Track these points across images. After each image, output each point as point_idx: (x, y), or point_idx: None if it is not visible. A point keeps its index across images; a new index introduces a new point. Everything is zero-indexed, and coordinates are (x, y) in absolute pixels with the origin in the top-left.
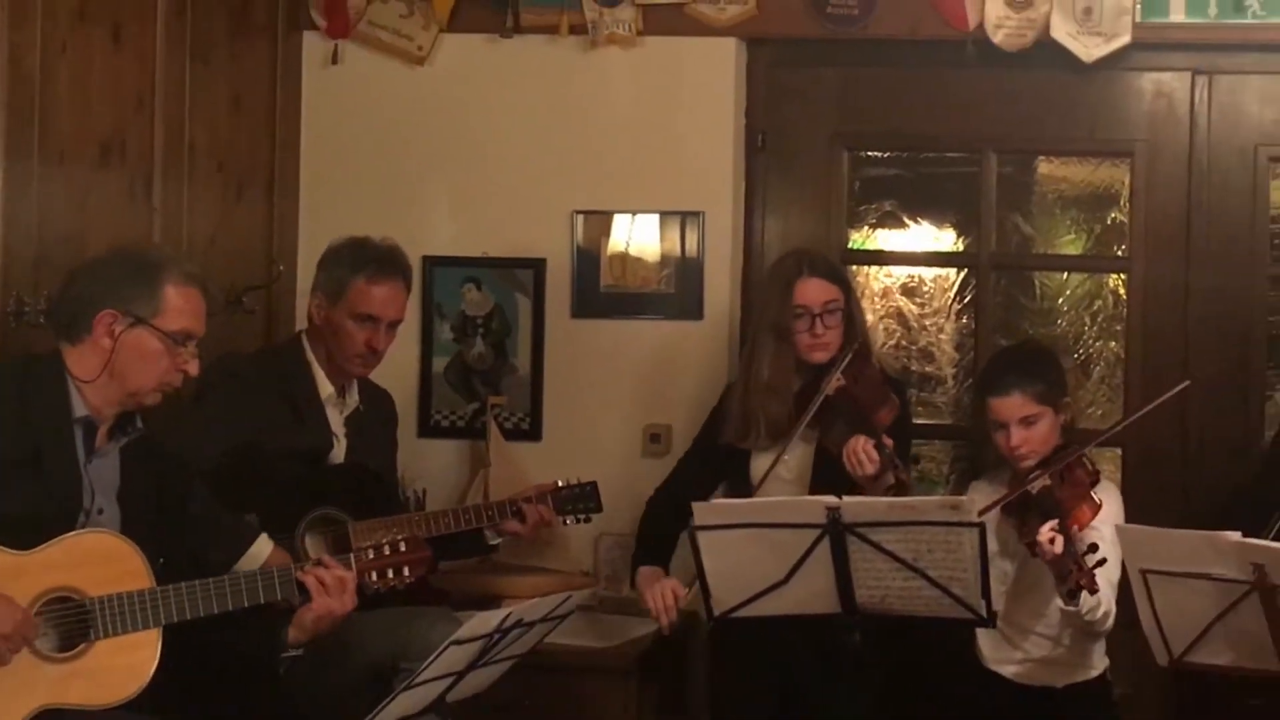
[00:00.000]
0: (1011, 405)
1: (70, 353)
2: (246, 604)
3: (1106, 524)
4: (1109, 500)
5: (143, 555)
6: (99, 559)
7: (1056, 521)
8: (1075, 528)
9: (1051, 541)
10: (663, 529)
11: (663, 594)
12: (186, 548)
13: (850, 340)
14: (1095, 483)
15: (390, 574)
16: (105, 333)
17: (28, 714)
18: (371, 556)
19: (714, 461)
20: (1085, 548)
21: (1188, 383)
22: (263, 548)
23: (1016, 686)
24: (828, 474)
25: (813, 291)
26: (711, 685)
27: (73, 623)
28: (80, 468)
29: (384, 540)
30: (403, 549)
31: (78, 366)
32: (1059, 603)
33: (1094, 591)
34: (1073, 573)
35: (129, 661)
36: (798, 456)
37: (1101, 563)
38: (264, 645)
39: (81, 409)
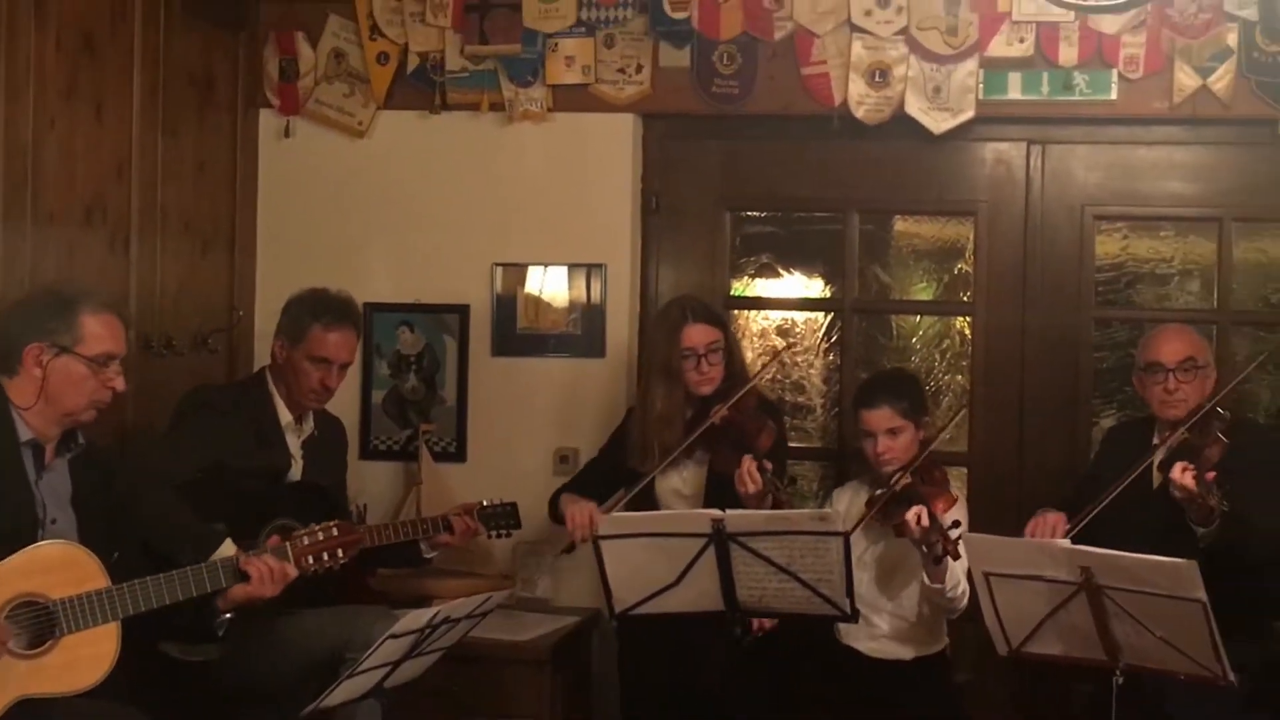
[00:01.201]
0: (880, 417)
1: (9, 384)
2: (195, 594)
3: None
4: (959, 505)
5: (97, 559)
6: (58, 566)
7: (922, 506)
8: (939, 510)
9: (918, 520)
10: None
11: (581, 512)
12: (158, 551)
13: (731, 374)
14: (947, 482)
15: (325, 557)
16: (35, 364)
17: (6, 705)
18: (306, 543)
19: (613, 473)
20: (949, 523)
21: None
22: (227, 550)
23: (870, 660)
24: (718, 491)
25: (697, 335)
26: (622, 673)
27: (41, 623)
28: (32, 486)
29: (317, 529)
30: (335, 534)
31: (17, 396)
32: (925, 581)
33: (957, 558)
34: (939, 542)
35: (93, 653)
36: (694, 475)
37: (962, 534)
38: (199, 613)
39: (27, 433)
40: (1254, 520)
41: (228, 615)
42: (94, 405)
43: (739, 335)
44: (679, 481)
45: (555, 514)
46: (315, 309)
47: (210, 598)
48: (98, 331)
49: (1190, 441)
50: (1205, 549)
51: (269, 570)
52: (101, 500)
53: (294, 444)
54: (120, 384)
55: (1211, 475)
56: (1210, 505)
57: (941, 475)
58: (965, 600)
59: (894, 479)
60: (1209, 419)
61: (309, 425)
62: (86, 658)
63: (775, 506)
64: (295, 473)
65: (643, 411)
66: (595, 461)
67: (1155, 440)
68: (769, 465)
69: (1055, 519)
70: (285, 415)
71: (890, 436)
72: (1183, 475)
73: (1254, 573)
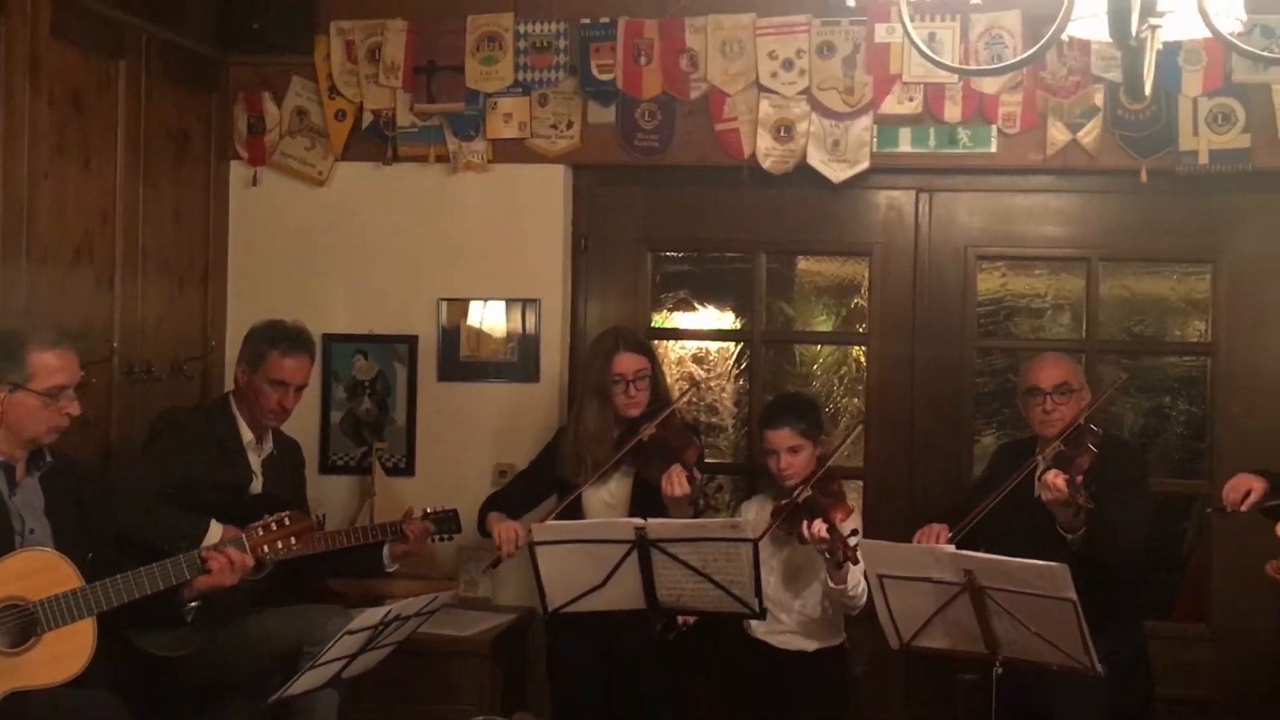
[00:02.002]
0: (782, 437)
1: None
2: (161, 587)
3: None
4: (855, 514)
5: (71, 562)
6: (36, 570)
7: (823, 518)
8: (837, 520)
9: (821, 531)
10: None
11: (507, 530)
12: (153, 549)
13: (656, 398)
14: (844, 494)
15: (279, 545)
16: None
17: None
18: (261, 534)
19: (542, 484)
20: (848, 532)
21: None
22: (215, 531)
23: (778, 651)
24: (643, 502)
25: (626, 363)
26: (550, 666)
27: (24, 623)
28: (6, 502)
29: (270, 520)
30: (288, 523)
31: None
32: (828, 582)
33: (856, 562)
34: (840, 549)
35: (72, 646)
36: (620, 488)
37: (860, 541)
38: (168, 602)
39: None
40: (1117, 522)
41: (194, 604)
42: (53, 430)
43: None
44: (606, 494)
45: (483, 528)
46: (273, 337)
47: (177, 589)
48: (49, 365)
49: (1064, 452)
50: (1076, 553)
51: (228, 561)
52: (73, 508)
53: (255, 461)
54: (75, 409)
55: (1080, 479)
56: (1079, 504)
57: (838, 488)
58: (865, 598)
59: (796, 492)
60: (1081, 432)
61: (269, 445)
62: (67, 651)
63: (699, 510)
64: (256, 487)
65: (576, 429)
66: (525, 474)
67: (1037, 454)
68: (698, 475)
69: (939, 528)
70: (247, 434)
71: (791, 454)
72: (1055, 478)
73: (1123, 574)
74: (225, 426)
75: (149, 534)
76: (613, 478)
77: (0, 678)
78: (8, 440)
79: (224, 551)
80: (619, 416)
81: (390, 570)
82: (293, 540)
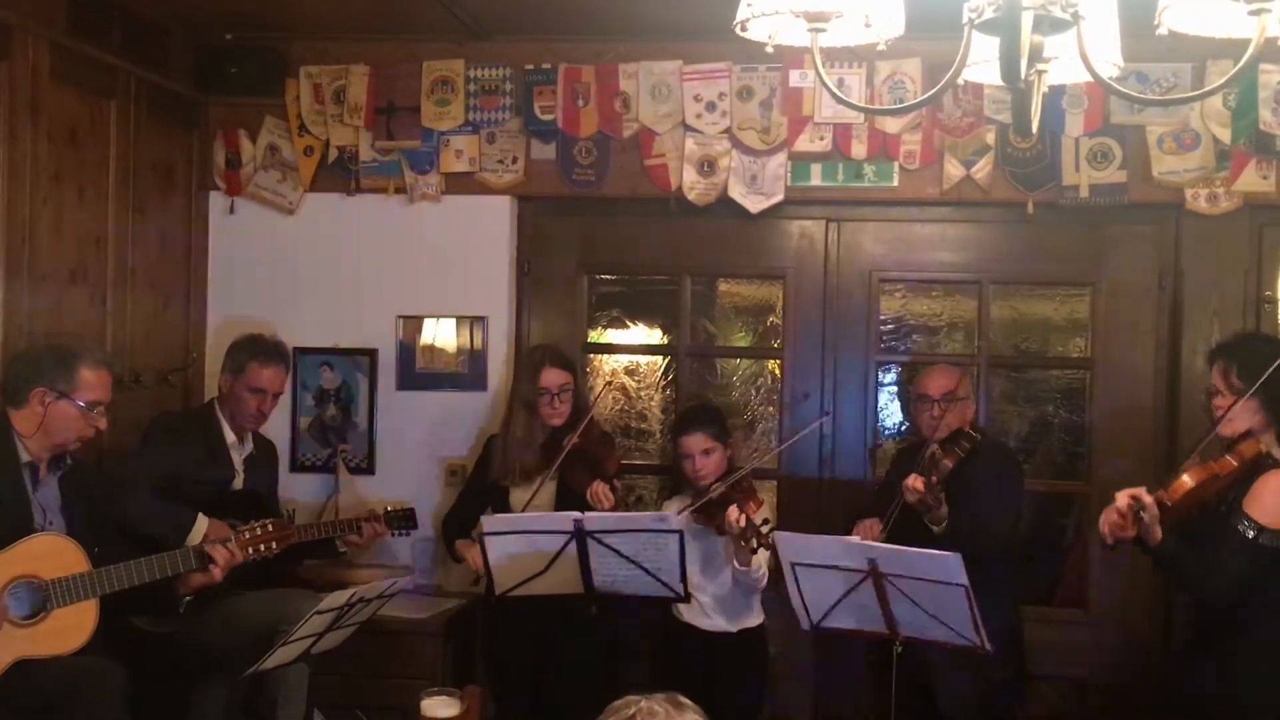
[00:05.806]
0: (695, 441)
1: (15, 415)
2: (159, 576)
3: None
4: (766, 506)
5: (81, 548)
6: (50, 553)
7: (739, 509)
8: (750, 511)
9: (738, 520)
10: (457, 530)
11: (478, 554)
12: (146, 538)
13: (579, 409)
14: (754, 489)
15: (262, 548)
16: (38, 403)
17: (6, 665)
18: (248, 536)
19: (483, 493)
20: (761, 521)
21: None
22: (202, 523)
23: (701, 632)
24: (567, 503)
25: (551, 377)
26: (488, 642)
27: (36, 599)
28: (30, 497)
29: (257, 525)
30: (271, 529)
31: (21, 425)
32: (735, 566)
33: (770, 549)
34: (755, 537)
35: (78, 622)
36: (547, 491)
37: (773, 528)
38: (165, 595)
39: (26, 456)
40: (981, 515)
41: (188, 598)
42: (80, 440)
43: (594, 375)
44: (535, 496)
45: (449, 547)
46: (252, 350)
47: (173, 586)
48: (92, 382)
49: (936, 455)
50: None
51: (228, 555)
52: (84, 507)
53: (237, 460)
54: (103, 424)
55: (934, 479)
56: (929, 504)
57: (749, 484)
58: (765, 580)
59: (712, 488)
60: (958, 436)
61: (249, 445)
62: (72, 626)
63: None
64: (238, 483)
65: (506, 437)
66: (466, 489)
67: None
68: (618, 485)
69: (871, 522)
70: (230, 436)
71: (705, 456)
72: (914, 482)
73: (995, 559)
74: (211, 429)
75: (144, 523)
76: (539, 481)
77: (12, 645)
78: (39, 442)
79: (226, 547)
80: (544, 425)
81: (342, 552)
82: (274, 544)
